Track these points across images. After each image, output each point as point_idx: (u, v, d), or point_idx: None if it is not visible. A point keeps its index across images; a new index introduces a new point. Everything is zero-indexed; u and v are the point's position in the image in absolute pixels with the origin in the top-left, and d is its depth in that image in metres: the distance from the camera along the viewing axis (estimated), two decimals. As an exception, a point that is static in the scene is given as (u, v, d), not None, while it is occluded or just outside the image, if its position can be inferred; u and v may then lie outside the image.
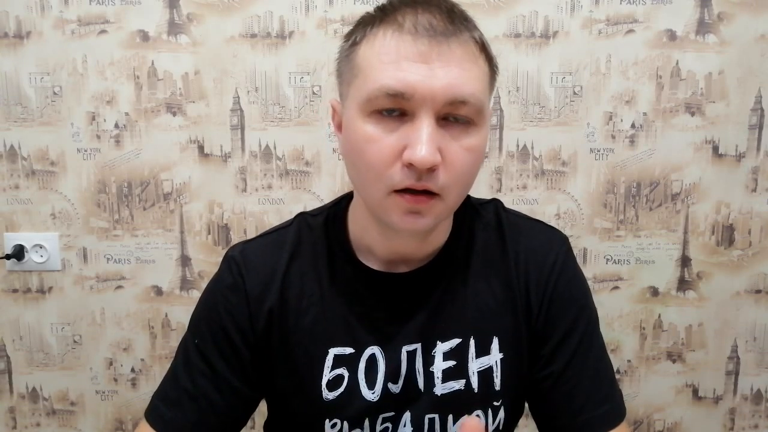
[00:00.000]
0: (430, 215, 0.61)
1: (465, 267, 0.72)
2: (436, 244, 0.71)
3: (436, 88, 0.57)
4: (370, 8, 0.65)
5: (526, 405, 0.77)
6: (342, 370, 0.70)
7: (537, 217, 0.79)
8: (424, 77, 0.57)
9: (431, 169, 0.58)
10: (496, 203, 0.77)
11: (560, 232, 0.77)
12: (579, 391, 0.70)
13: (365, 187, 0.63)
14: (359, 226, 0.71)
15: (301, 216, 0.76)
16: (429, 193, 0.60)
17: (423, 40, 0.58)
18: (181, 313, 1.32)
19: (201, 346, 0.72)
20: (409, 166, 0.58)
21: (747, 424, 1.38)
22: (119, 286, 1.32)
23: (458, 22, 0.60)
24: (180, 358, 0.74)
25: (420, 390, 0.70)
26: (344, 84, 0.65)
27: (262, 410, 0.79)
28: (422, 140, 0.57)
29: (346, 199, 0.75)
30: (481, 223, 0.74)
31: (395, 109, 0.59)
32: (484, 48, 0.62)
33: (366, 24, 0.63)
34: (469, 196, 0.73)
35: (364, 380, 0.70)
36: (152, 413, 0.72)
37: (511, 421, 0.75)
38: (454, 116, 0.59)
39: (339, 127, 0.68)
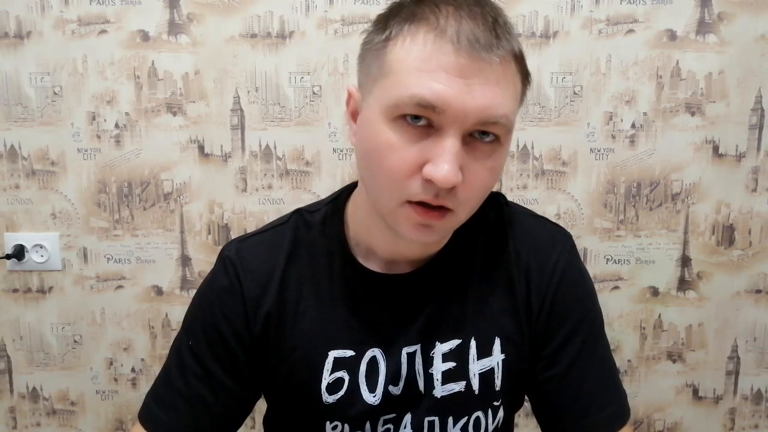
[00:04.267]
0: (441, 229, 0.61)
1: (466, 266, 0.71)
2: (439, 243, 0.70)
3: (470, 106, 0.54)
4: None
5: (528, 405, 0.76)
6: (342, 373, 0.69)
7: None
8: (460, 93, 0.54)
9: (451, 189, 0.56)
10: (499, 198, 0.74)
11: (563, 229, 0.75)
12: (583, 393, 0.69)
13: (378, 193, 0.61)
14: (360, 223, 0.70)
15: (298, 213, 0.74)
16: (443, 209, 0.58)
17: (464, 53, 0.54)
18: (182, 313, 1.30)
19: (195, 347, 0.71)
20: (429, 182, 0.55)
21: (747, 424, 1.38)
22: (119, 286, 1.32)
23: (502, 34, 0.56)
24: (173, 359, 0.72)
25: (420, 392, 0.69)
26: (369, 77, 0.61)
27: (261, 408, 0.79)
28: (447, 159, 0.54)
29: (344, 194, 0.73)
30: (483, 219, 0.72)
31: (422, 118, 0.56)
32: (522, 63, 0.59)
33: (403, 19, 0.58)
34: None
35: (364, 383, 0.69)
36: (146, 415, 0.71)
37: (510, 415, 0.75)
38: (480, 133, 0.57)
39: (353, 115, 0.65)
